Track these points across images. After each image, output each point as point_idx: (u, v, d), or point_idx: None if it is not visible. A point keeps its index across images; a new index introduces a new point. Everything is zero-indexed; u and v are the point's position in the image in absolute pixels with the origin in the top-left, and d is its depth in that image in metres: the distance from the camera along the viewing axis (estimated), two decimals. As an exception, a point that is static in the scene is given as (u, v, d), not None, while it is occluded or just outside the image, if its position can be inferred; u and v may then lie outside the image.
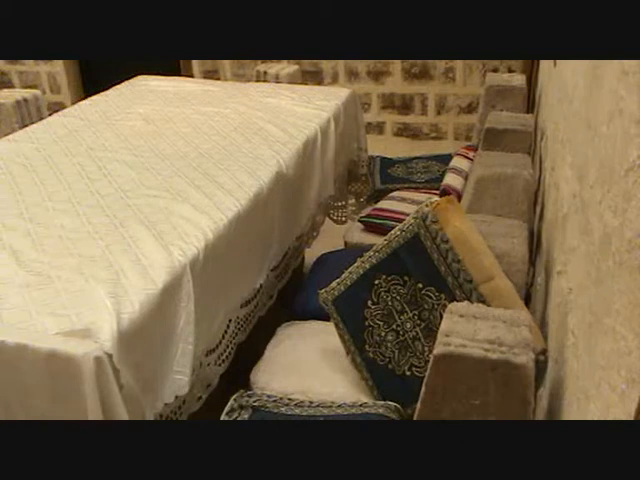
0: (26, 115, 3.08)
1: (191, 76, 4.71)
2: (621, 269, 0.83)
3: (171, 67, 4.41)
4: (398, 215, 2.45)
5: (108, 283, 1.48)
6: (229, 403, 1.62)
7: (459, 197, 2.21)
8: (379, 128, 4.66)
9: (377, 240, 1.72)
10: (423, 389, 1.16)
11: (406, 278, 1.56)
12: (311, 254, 2.57)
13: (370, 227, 2.53)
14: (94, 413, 1.26)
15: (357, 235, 2.54)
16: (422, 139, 4.61)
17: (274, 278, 2.14)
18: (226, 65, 4.77)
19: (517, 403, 1.10)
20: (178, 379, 1.53)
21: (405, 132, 4.65)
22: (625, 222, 0.83)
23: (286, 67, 3.52)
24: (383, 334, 1.62)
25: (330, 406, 1.61)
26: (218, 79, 4.61)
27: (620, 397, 0.78)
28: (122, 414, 1.29)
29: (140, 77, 3.24)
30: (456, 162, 2.53)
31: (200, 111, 2.70)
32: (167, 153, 2.26)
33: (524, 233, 1.67)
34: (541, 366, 1.30)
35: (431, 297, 1.52)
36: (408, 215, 1.60)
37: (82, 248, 1.64)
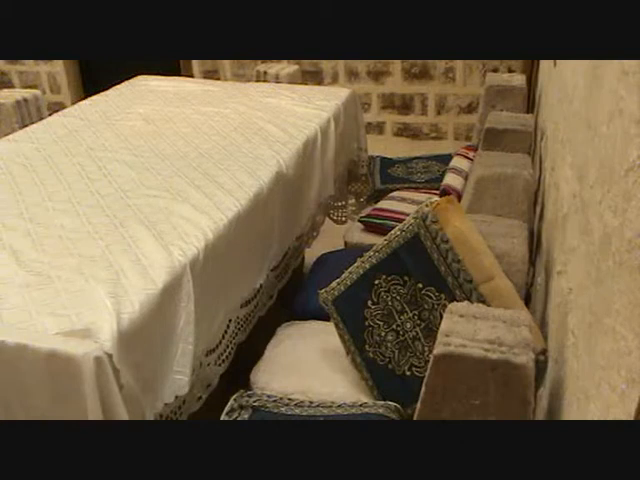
0: (26, 115, 3.08)
1: (191, 76, 4.71)
2: (621, 269, 0.83)
3: (171, 67, 4.41)
4: (398, 215, 2.45)
5: (108, 283, 1.48)
6: (229, 403, 1.62)
7: (459, 197, 2.21)
8: (379, 128, 4.66)
9: (377, 240, 1.72)
10: (423, 389, 1.16)
11: (406, 278, 1.56)
12: (311, 254, 2.56)
13: (370, 227, 2.53)
14: (94, 413, 1.26)
15: (357, 235, 2.54)
16: (422, 139, 4.61)
17: (274, 278, 2.14)
18: (226, 65, 4.77)
19: (517, 403, 1.10)
20: (178, 379, 1.53)
21: (405, 132, 4.65)
22: (625, 222, 0.83)
23: (286, 67, 3.52)
24: (383, 334, 1.62)
25: (330, 406, 1.61)
26: (218, 79, 4.61)
27: (620, 397, 0.78)
28: (122, 414, 1.29)
29: (140, 77, 3.24)
30: (456, 162, 2.53)
31: (200, 111, 2.70)
32: (167, 153, 2.26)
33: (524, 233, 1.67)
34: (541, 366, 1.30)
35: (431, 297, 1.52)
36: (408, 215, 1.60)
37: (82, 248, 1.64)
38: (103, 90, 3.04)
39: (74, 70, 5.07)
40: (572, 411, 1.08)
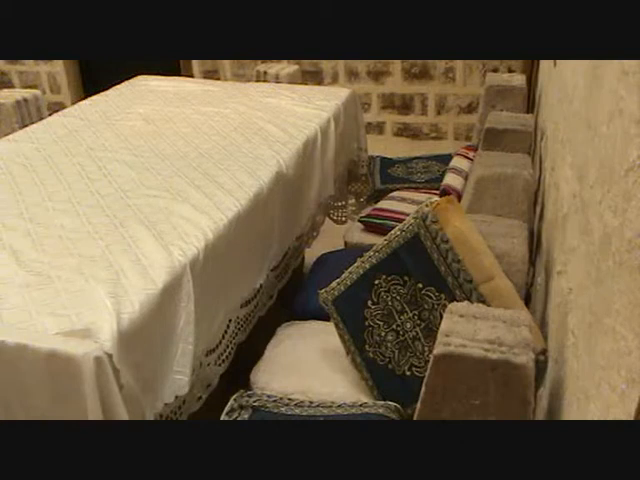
0: (26, 115, 3.08)
1: (191, 76, 4.71)
2: (621, 269, 0.83)
3: (171, 67, 4.41)
4: (398, 215, 2.45)
5: (108, 283, 1.48)
6: (229, 403, 1.62)
7: (459, 197, 2.21)
8: (379, 128, 4.66)
9: (377, 240, 1.72)
10: (423, 389, 1.16)
11: (406, 278, 1.56)
12: (311, 254, 2.57)
13: (370, 227, 2.53)
14: (94, 413, 1.26)
15: (357, 235, 2.54)
16: (422, 139, 4.61)
17: (274, 278, 2.14)
18: (226, 65, 4.77)
19: (517, 403, 1.10)
20: (178, 379, 1.53)
21: (405, 132, 4.65)
22: (625, 222, 0.83)
23: (286, 67, 3.52)
24: (383, 334, 1.62)
25: (330, 406, 1.61)
26: (218, 79, 4.61)
27: (620, 397, 0.78)
28: (122, 414, 1.29)
29: (140, 77, 3.24)
30: (456, 162, 2.53)
31: (200, 111, 2.70)
32: (167, 153, 2.26)
33: (524, 233, 1.67)
34: (541, 366, 1.30)
35: (431, 297, 1.52)
36: (408, 215, 1.60)
37: (82, 248, 1.64)
38: (103, 90, 3.04)
39: (74, 70, 5.07)
40: (572, 411, 1.08)
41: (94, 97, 2.96)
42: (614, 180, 0.91)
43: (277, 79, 3.39)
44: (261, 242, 2.03)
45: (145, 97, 2.92)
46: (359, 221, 2.60)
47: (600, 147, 1.06)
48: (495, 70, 4.25)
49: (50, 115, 2.81)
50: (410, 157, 3.28)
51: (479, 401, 1.11)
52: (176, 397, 1.54)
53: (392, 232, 1.59)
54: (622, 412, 0.77)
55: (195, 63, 4.81)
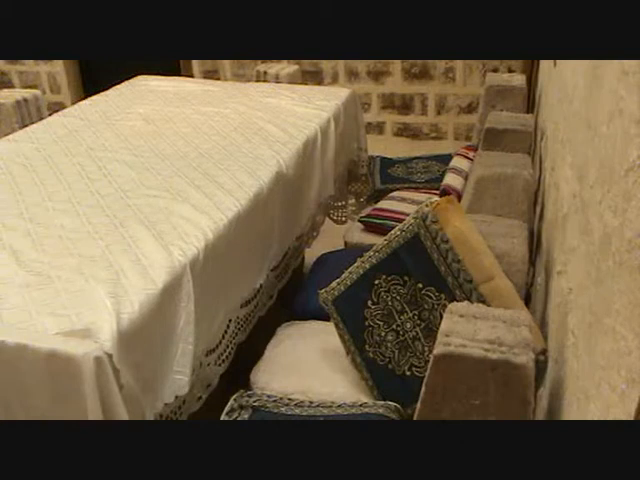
0: (26, 115, 3.08)
1: (191, 76, 4.71)
2: (621, 269, 0.83)
3: (171, 67, 4.41)
4: (398, 215, 2.45)
5: (108, 283, 1.48)
6: (229, 403, 1.62)
7: (459, 197, 2.21)
8: (379, 128, 4.66)
9: (377, 240, 1.72)
10: (423, 389, 1.16)
11: (406, 278, 1.56)
12: (311, 254, 2.57)
13: (370, 227, 2.53)
14: (94, 413, 1.26)
15: (357, 235, 2.54)
16: (422, 139, 4.61)
17: (274, 278, 2.14)
18: (226, 65, 4.77)
19: (517, 403, 1.10)
20: (178, 379, 1.53)
21: (405, 132, 4.65)
22: (625, 222, 0.83)
23: (286, 67, 3.52)
24: (383, 334, 1.62)
25: (330, 406, 1.61)
26: (218, 79, 4.61)
27: (620, 397, 0.78)
28: (122, 414, 1.29)
29: (140, 77, 3.24)
30: (456, 162, 2.53)
31: (200, 111, 2.70)
32: (167, 153, 2.26)
33: (524, 233, 1.67)
34: (541, 366, 1.30)
35: (431, 297, 1.52)
36: (408, 215, 1.60)
37: (82, 248, 1.64)
38: (103, 90, 3.04)
39: (74, 70, 5.07)
40: (572, 411, 1.08)
41: (94, 97, 2.96)
42: (614, 180, 0.91)
43: (277, 79, 3.39)
44: (261, 242, 2.03)
45: (145, 97, 2.92)
46: (359, 221, 2.60)
47: (600, 147, 1.06)
48: (495, 70, 4.25)
49: (50, 115, 2.81)
50: (410, 157, 3.28)
51: (479, 401, 1.11)
52: (176, 397, 1.54)
53: (392, 232, 1.59)
54: (622, 412, 0.77)
55: (195, 63, 4.81)
